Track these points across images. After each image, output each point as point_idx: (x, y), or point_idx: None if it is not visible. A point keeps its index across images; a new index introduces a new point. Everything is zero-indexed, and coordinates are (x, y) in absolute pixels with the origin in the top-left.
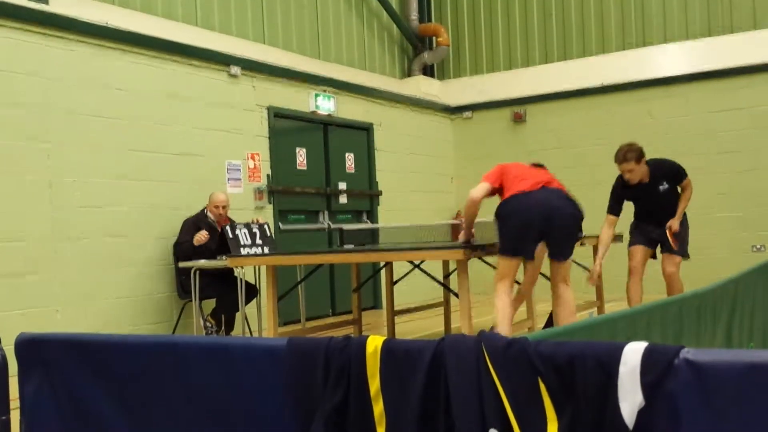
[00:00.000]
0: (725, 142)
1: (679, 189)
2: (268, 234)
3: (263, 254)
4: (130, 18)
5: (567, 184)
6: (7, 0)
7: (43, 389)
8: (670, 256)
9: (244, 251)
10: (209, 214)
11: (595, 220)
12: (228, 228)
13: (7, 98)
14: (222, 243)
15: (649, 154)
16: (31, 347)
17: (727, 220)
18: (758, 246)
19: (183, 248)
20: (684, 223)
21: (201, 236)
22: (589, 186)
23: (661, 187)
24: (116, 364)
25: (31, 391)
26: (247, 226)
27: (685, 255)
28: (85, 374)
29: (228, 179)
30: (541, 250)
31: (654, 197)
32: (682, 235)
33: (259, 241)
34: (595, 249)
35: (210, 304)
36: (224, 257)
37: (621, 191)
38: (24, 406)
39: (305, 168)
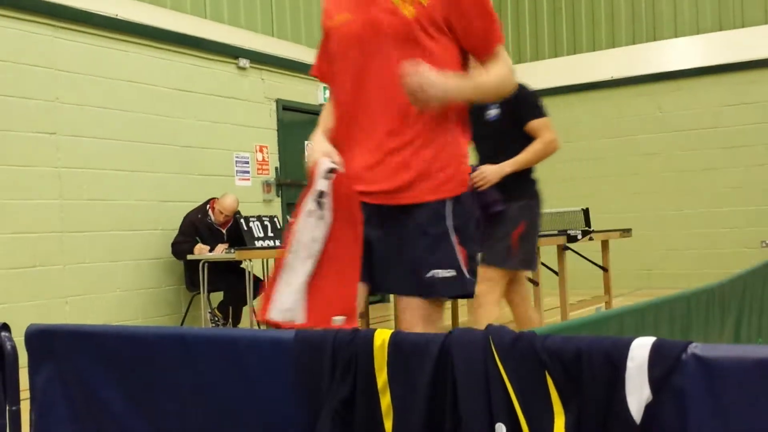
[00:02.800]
0: (735, 137)
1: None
2: (278, 227)
3: (274, 247)
4: (140, 10)
5: (576, 177)
6: None
7: (53, 380)
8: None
9: (258, 244)
10: (211, 213)
11: (603, 213)
12: (242, 221)
13: (18, 90)
14: (229, 237)
15: (658, 149)
16: (41, 338)
17: (737, 215)
18: (767, 242)
19: (179, 249)
20: (529, 209)
21: (200, 250)
22: (598, 179)
23: (488, 113)
24: (125, 356)
25: (42, 381)
26: (259, 218)
27: (503, 263)
28: (94, 365)
29: (236, 172)
30: None
31: (480, 129)
32: (507, 225)
33: (271, 233)
34: (604, 245)
35: (218, 296)
36: (232, 250)
37: None
38: (34, 396)
39: None
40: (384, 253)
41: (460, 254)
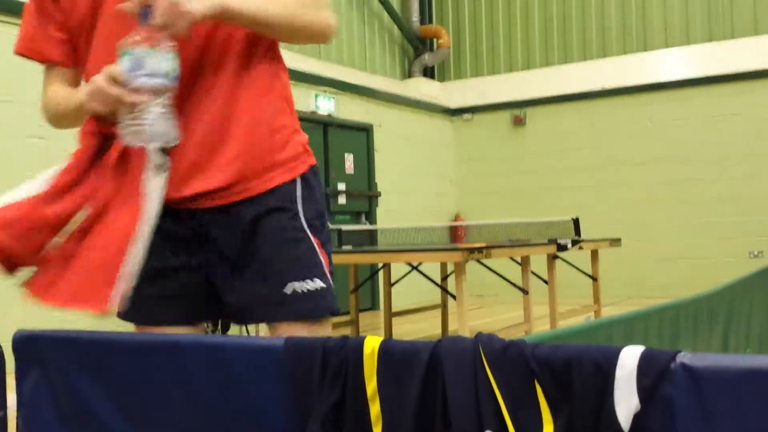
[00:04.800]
0: (725, 148)
1: None
2: None
3: None
4: None
5: (566, 187)
6: None
7: (40, 386)
8: None
9: None
10: None
11: (593, 223)
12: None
13: (6, 95)
14: None
15: (649, 159)
16: (28, 344)
17: (726, 225)
18: (756, 252)
19: None
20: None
21: None
22: (588, 189)
23: None
24: (113, 362)
25: (29, 388)
26: None
27: None
28: (82, 371)
29: None
30: None
31: None
32: None
33: None
34: (594, 254)
35: None
36: None
37: None
38: (21, 402)
39: None
40: (233, 271)
41: (321, 256)
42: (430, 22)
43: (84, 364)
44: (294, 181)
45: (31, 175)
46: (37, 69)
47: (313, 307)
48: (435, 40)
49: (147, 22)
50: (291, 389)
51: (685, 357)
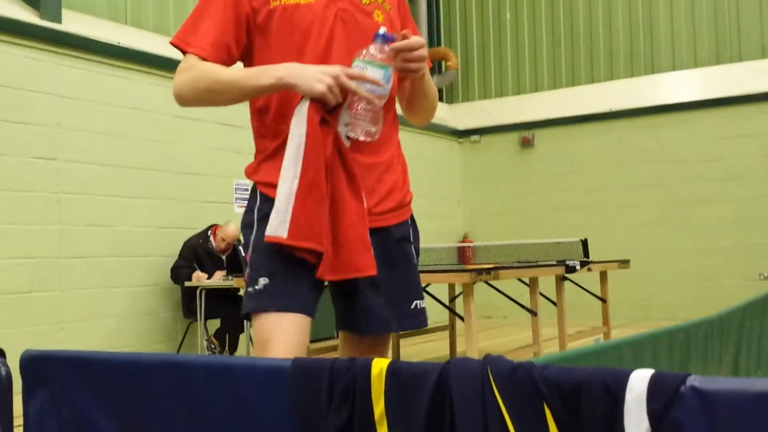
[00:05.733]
0: (733, 169)
1: None
2: None
3: None
4: (141, 38)
5: (574, 208)
6: (20, 19)
7: (46, 406)
8: None
9: None
10: (212, 239)
11: (602, 244)
12: (241, 248)
13: (18, 116)
14: (229, 264)
15: (657, 180)
16: (35, 364)
17: (734, 247)
18: (765, 274)
19: (178, 274)
20: None
21: (197, 278)
22: (597, 210)
23: None
24: (120, 382)
25: (35, 408)
26: None
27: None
28: (89, 392)
29: (236, 199)
30: None
31: None
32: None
33: None
34: (602, 276)
35: (215, 324)
36: (230, 277)
37: None
38: (27, 423)
39: None
40: (378, 286)
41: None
42: (439, 44)
43: (90, 383)
44: (410, 218)
45: (34, 195)
46: (45, 93)
47: (424, 320)
48: (443, 62)
49: (386, 44)
50: (298, 411)
51: (695, 380)
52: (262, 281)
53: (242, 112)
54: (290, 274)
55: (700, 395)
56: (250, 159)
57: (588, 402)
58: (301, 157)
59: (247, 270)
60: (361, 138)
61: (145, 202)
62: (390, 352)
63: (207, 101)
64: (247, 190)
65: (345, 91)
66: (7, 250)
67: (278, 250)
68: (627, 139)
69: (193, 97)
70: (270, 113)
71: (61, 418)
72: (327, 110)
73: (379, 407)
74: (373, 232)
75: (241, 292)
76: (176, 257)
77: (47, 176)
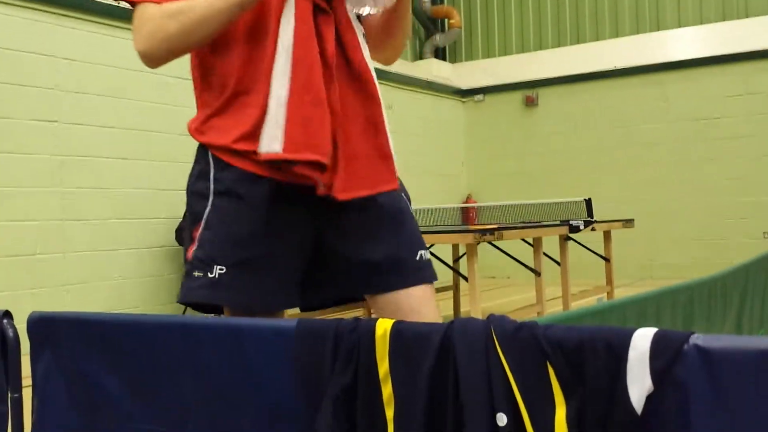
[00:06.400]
0: (739, 127)
1: None
2: None
3: None
4: None
5: (578, 167)
6: None
7: (53, 367)
8: None
9: None
10: None
11: (606, 203)
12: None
13: (18, 78)
14: None
15: (662, 139)
16: (42, 326)
17: (740, 205)
18: None
19: (184, 236)
20: None
21: None
22: (601, 169)
23: None
24: (125, 343)
25: (42, 369)
26: None
27: None
28: (94, 353)
29: None
30: None
31: None
32: None
33: None
34: (606, 235)
35: None
36: None
37: None
38: (35, 383)
39: None
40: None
41: None
42: (442, 2)
43: (96, 345)
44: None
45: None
46: (42, 56)
47: (432, 273)
48: (446, 20)
49: None
50: (303, 371)
51: (698, 338)
52: (218, 270)
53: None
54: (257, 263)
55: (703, 353)
56: None
57: (591, 360)
58: (291, 58)
59: (193, 247)
60: (370, 10)
61: (147, 164)
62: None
63: (180, 47)
64: None
65: None
66: (10, 213)
67: (245, 234)
68: (632, 98)
69: (165, 48)
70: (224, 50)
71: (68, 378)
72: None
73: (383, 367)
74: None
75: None
76: (180, 219)
77: (48, 139)
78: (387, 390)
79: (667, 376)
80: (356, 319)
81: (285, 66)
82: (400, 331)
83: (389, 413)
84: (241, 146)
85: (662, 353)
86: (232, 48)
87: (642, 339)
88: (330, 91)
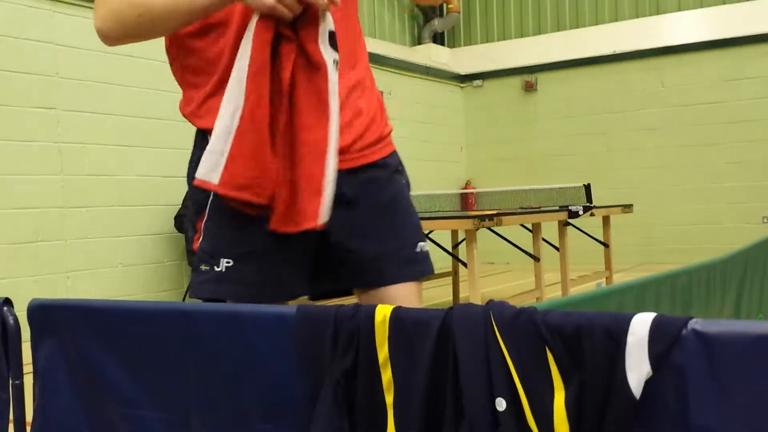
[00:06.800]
0: (737, 112)
1: None
2: None
3: None
4: None
5: (577, 152)
6: None
7: (54, 355)
8: None
9: None
10: None
11: (605, 189)
12: (188, 208)
13: (18, 65)
14: None
15: (661, 123)
16: (42, 313)
17: (739, 190)
18: None
19: (183, 222)
20: None
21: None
22: (600, 155)
23: None
24: (127, 330)
25: (43, 356)
26: None
27: None
28: (96, 340)
29: None
30: None
31: None
32: None
33: None
34: (605, 220)
35: None
36: None
37: None
38: (37, 371)
39: None
40: (362, 231)
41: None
42: None
43: (98, 332)
44: (395, 152)
45: (36, 146)
46: (42, 43)
47: (429, 266)
48: (445, 5)
49: None
50: (303, 357)
51: (697, 323)
52: (225, 263)
53: None
54: (262, 253)
55: (701, 338)
56: None
57: (590, 346)
58: (245, 87)
59: (199, 239)
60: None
61: (146, 150)
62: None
63: (136, 34)
64: None
65: None
66: (11, 200)
67: (246, 223)
68: (631, 82)
69: (121, 32)
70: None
71: (69, 365)
72: (292, 21)
73: (383, 352)
74: (355, 171)
75: None
76: (179, 206)
77: (47, 126)
78: (387, 375)
79: (666, 361)
80: (356, 305)
81: (239, 93)
82: (399, 317)
83: (389, 399)
84: None
85: (661, 338)
86: (224, 34)
87: (641, 324)
88: (278, 123)
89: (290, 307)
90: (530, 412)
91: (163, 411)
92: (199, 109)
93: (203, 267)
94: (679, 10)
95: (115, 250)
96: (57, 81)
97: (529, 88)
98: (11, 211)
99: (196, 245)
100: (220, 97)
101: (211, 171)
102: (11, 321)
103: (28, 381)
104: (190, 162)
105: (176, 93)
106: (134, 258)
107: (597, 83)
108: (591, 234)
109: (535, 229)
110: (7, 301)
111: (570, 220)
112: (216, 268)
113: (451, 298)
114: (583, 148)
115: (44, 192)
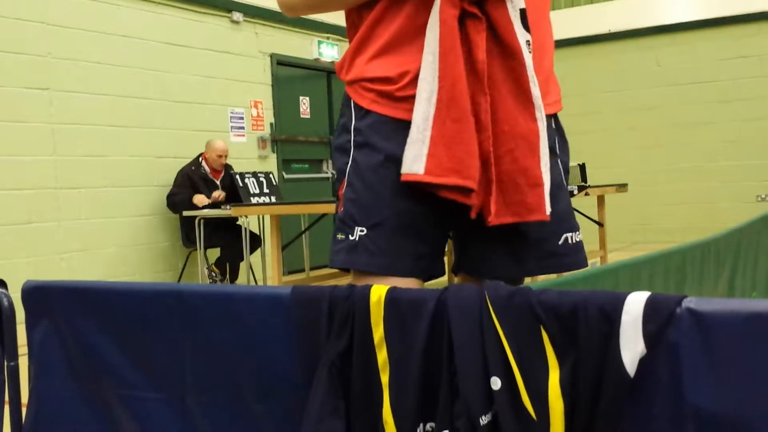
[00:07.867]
0: (732, 91)
1: None
2: (274, 183)
3: (270, 203)
4: None
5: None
6: None
7: (49, 336)
8: None
9: (254, 200)
10: (204, 164)
11: (599, 168)
12: (237, 176)
13: (10, 46)
14: (224, 188)
15: (655, 103)
16: (37, 295)
17: (733, 169)
18: (763, 195)
19: (174, 201)
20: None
21: (200, 200)
22: (595, 134)
23: None
24: (121, 312)
25: (38, 337)
26: (255, 175)
27: None
28: (90, 321)
29: (231, 127)
30: None
31: None
32: None
33: (266, 190)
34: (600, 200)
35: (215, 253)
36: (228, 206)
37: None
38: (32, 352)
39: (308, 116)
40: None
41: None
42: None
43: (92, 313)
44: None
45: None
46: (34, 23)
47: (581, 258)
48: None
49: None
50: (299, 337)
51: (690, 302)
52: (359, 231)
53: (235, 40)
54: (400, 223)
55: (695, 316)
56: (246, 87)
57: (584, 325)
58: (437, 67)
59: (340, 208)
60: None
61: (140, 131)
62: None
63: (320, 4)
64: (242, 118)
65: None
66: (4, 181)
67: (386, 191)
68: (625, 61)
69: (303, 5)
70: None
71: (64, 346)
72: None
73: (378, 332)
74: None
75: (240, 221)
76: (171, 186)
77: (41, 106)
78: (382, 355)
79: (660, 339)
80: (351, 285)
81: (433, 75)
82: (394, 298)
83: (384, 378)
84: (381, 86)
85: (655, 317)
86: (395, 15)
87: (635, 303)
88: (479, 105)
89: (285, 287)
90: (525, 390)
91: (158, 391)
92: (356, 61)
93: (339, 236)
94: None
95: (110, 230)
96: (50, 61)
97: None
98: (4, 192)
99: (338, 214)
100: (383, 58)
101: (413, 162)
102: (6, 303)
103: (23, 362)
104: (335, 130)
105: (169, 73)
106: (128, 239)
107: (592, 62)
108: (585, 213)
109: None
110: (2, 283)
111: None
112: (351, 237)
113: (446, 277)
114: (577, 128)
115: (37, 173)
